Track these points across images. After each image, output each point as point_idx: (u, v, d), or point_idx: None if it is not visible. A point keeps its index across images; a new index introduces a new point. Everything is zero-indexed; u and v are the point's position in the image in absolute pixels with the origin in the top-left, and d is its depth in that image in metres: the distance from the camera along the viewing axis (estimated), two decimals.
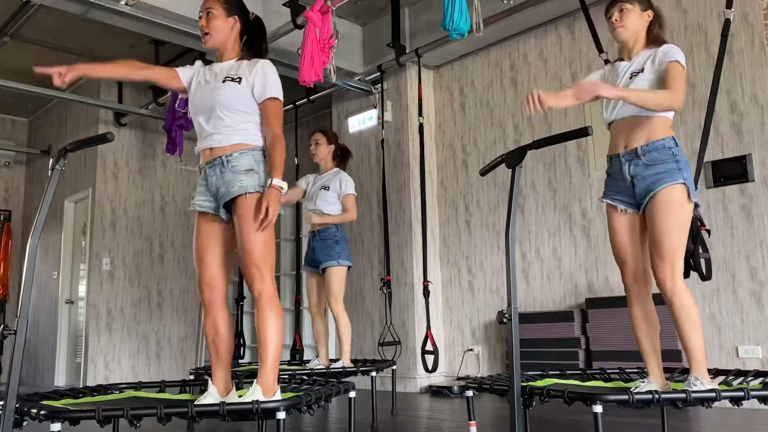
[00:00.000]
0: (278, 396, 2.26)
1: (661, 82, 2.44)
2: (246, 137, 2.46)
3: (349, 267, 4.30)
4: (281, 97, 2.53)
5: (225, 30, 2.57)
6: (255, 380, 2.26)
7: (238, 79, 2.48)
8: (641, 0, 2.61)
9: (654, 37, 2.59)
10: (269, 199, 2.35)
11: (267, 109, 2.49)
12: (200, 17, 2.59)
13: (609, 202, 2.57)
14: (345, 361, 4.13)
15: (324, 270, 4.24)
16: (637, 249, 2.51)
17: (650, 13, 2.61)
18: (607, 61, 3.93)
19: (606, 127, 2.64)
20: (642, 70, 2.50)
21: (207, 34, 2.56)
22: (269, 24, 5.38)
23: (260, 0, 5.21)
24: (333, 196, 4.29)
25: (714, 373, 2.77)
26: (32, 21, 5.88)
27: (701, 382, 2.24)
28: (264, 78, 2.48)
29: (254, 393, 2.20)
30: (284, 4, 5.08)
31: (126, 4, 4.70)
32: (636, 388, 2.34)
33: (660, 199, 2.39)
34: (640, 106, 2.35)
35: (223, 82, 2.48)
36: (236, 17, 2.60)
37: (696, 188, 3.01)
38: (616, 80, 2.60)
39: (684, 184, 2.39)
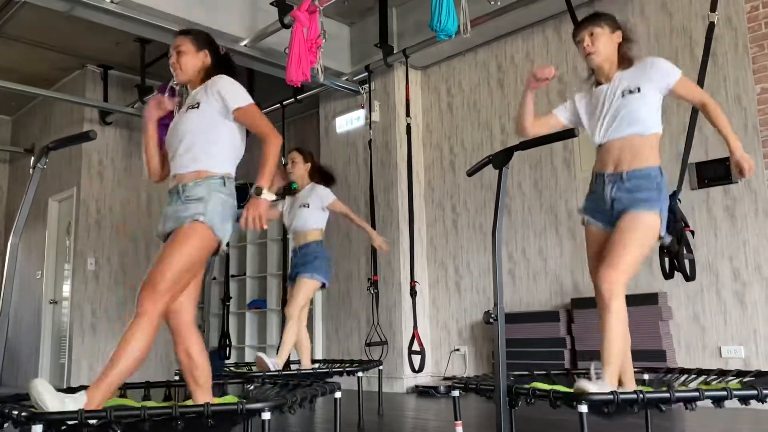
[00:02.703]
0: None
1: (674, 95, 2.53)
2: (206, 164, 2.39)
3: (323, 285, 4.30)
4: (246, 102, 2.44)
5: (196, 65, 2.56)
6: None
7: (196, 105, 2.45)
8: (609, 22, 2.62)
9: (624, 57, 2.61)
10: (250, 210, 2.30)
11: (241, 120, 2.46)
12: (170, 56, 2.59)
13: (588, 218, 2.62)
14: (278, 363, 4.06)
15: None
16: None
17: (619, 33, 2.62)
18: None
19: (594, 147, 2.64)
20: (638, 89, 2.50)
21: (177, 69, 2.56)
22: (257, 22, 5.39)
23: None
24: (314, 211, 4.31)
25: (697, 372, 2.80)
26: (16, 18, 5.81)
27: (602, 381, 2.22)
28: (223, 93, 2.44)
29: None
30: (271, 3, 5.07)
31: (111, 1, 4.66)
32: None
33: (630, 217, 2.40)
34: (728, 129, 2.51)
35: (186, 112, 2.48)
36: (206, 51, 2.59)
37: (680, 189, 3.05)
38: (599, 105, 2.59)
39: (658, 214, 2.41)
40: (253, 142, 2.57)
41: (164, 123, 2.65)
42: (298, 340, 4.32)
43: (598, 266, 2.48)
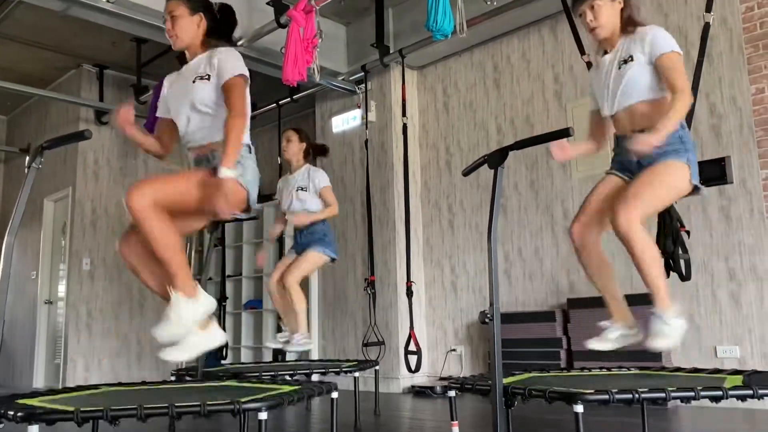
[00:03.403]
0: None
1: (657, 70, 2.40)
2: None
3: (333, 260, 4.33)
4: (240, 73, 2.43)
5: (191, 29, 2.54)
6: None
7: (207, 77, 2.45)
8: None
9: (627, 21, 2.52)
10: (219, 190, 2.23)
11: (225, 90, 2.42)
12: (164, 21, 2.56)
13: (614, 173, 2.57)
14: (303, 332, 4.09)
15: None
16: (607, 206, 2.47)
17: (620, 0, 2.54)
18: (589, 63, 3.97)
19: (608, 117, 2.61)
20: (631, 58, 2.45)
21: (174, 36, 2.54)
22: (252, 22, 5.38)
23: None
24: (311, 194, 4.32)
25: (693, 372, 2.81)
26: (11, 17, 5.80)
27: (664, 317, 2.22)
28: (220, 64, 2.44)
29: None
30: (268, 3, 5.06)
31: (107, 1, 4.65)
32: (604, 332, 2.32)
33: (657, 166, 2.36)
34: (678, 121, 2.30)
35: (194, 82, 2.47)
36: (201, 14, 2.56)
37: None
38: (603, 74, 2.57)
39: (686, 164, 2.36)
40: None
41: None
42: (282, 303, 4.27)
43: (590, 203, 2.49)
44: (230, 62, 2.45)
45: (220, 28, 2.62)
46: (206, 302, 2.23)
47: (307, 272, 4.25)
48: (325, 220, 4.35)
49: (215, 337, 2.24)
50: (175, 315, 2.05)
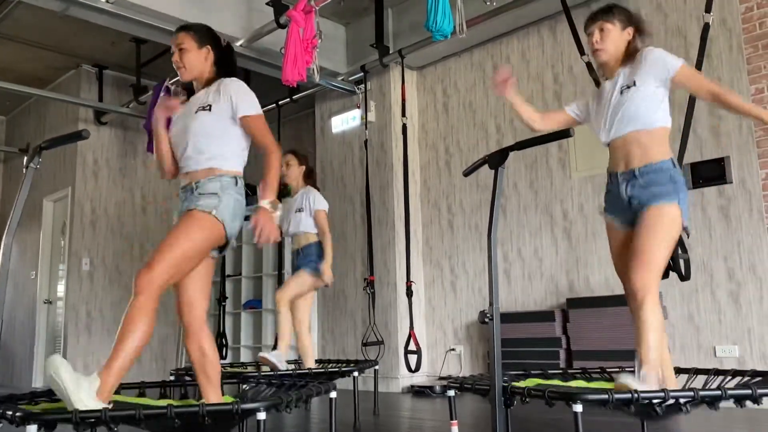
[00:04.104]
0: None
1: (677, 85, 2.47)
2: (218, 163, 2.43)
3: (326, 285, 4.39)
4: (255, 112, 2.48)
5: (199, 62, 2.55)
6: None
7: (208, 107, 2.45)
8: (622, 18, 2.57)
9: (630, 52, 2.56)
10: (257, 221, 2.32)
11: (246, 128, 2.48)
12: (173, 53, 2.57)
13: (609, 219, 2.60)
14: (283, 356, 4.12)
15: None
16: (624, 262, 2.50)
17: (630, 30, 2.56)
18: (588, 64, 3.97)
19: (604, 146, 2.63)
20: (634, 83, 2.47)
21: (182, 68, 2.55)
22: (253, 22, 5.38)
23: None
24: (306, 215, 4.38)
25: (694, 372, 2.81)
26: (11, 18, 5.80)
27: (645, 378, 2.19)
28: (235, 99, 2.46)
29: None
30: (267, 3, 5.06)
31: (106, 1, 4.65)
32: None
33: (651, 213, 2.38)
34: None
35: (196, 112, 2.47)
36: (209, 47, 2.57)
37: None
38: (602, 103, 2.59)
39: (677, 205, 2.38)
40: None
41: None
42: (300, 343, 4.34)
43: (622, 265, 2.48)
44: (251, 101, 2.48)
45: (227, 62, 2.62)
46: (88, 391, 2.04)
47: (294, 288, 4.27)
48: (320, 243, 4.37)
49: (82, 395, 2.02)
50: (74, 384, 1.94)
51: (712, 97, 2.45)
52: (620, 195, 2.51)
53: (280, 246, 6.45)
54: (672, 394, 2.00)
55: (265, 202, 2.35)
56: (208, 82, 2.56)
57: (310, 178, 4.56)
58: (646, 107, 2.46)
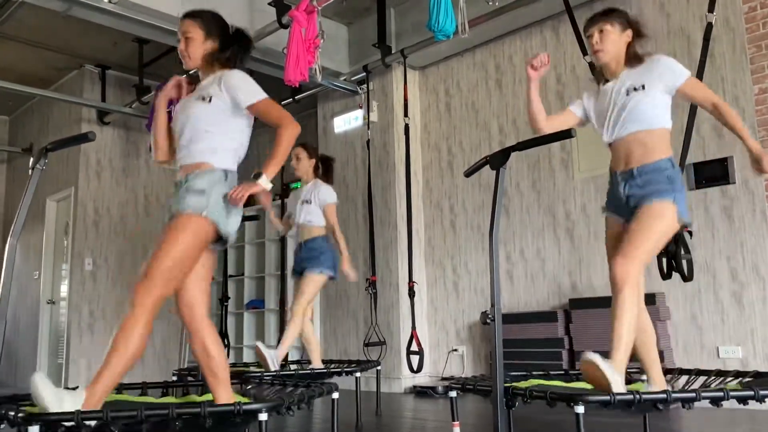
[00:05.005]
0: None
1: (683, 96, 2.55)
2: (209, 158, 2.38)
3: (331, 277, 4.32)
4: (257, 98, 2.43)
5: (205, 51, 2.52)
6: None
7: (208, 99, 2.42)
8: (621, 20, 2.62)
9: (633, 56, 2.62)
10: (246, 185, 2.29)
11: (258, 117, 2.46)
12: (179, 41, 2.54)
13: (608, 215, 2.64)
14: (278, 357, 4.08)
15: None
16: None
17: (629, 33, 2.62)
18: (591, 65, 3.96)
19: (606, 146, 2.66)
20: (642, 87, 2.51)
21: (186, 57, 2.52)
22: (254, 23, 5.38)
23: None
24: (315, 208, 4.34)
25: (696, 373, 2.80)
26: (14, 18, 5.80)
27: (612, 364, 2.20)
28: (235, 91, 2.42)
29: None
30: (270, 4, 5.06)
31: (109, 1, 4.66)
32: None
33: (644, 210, 2.42)
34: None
35: (195, 101, 2.45)
36: (215, 36, 2.53)
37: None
38: (606, 104, 2.62)
39: (672, 202, 2.40)
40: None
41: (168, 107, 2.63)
42: (306, 340, 4.33)
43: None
44: (251, 88, 2.44)
45: (234, 52, 2.57)
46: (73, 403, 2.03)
47: (310, 296, 4.23)
48: (326, 237, 4.35)
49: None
50: (56, 401, 1.92)
51: (714, 108, 2.56)
52: (619, 194, 2.55)
53: (282, 246, 6.46)
54: (674, 395, 2.00)
55: (263, 179, 2.30)
56: (213, 72, 2.53)
57: (322, 171, 4.51)
58: (653, 110, 2.51)
